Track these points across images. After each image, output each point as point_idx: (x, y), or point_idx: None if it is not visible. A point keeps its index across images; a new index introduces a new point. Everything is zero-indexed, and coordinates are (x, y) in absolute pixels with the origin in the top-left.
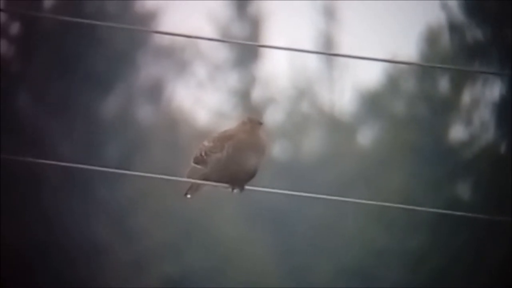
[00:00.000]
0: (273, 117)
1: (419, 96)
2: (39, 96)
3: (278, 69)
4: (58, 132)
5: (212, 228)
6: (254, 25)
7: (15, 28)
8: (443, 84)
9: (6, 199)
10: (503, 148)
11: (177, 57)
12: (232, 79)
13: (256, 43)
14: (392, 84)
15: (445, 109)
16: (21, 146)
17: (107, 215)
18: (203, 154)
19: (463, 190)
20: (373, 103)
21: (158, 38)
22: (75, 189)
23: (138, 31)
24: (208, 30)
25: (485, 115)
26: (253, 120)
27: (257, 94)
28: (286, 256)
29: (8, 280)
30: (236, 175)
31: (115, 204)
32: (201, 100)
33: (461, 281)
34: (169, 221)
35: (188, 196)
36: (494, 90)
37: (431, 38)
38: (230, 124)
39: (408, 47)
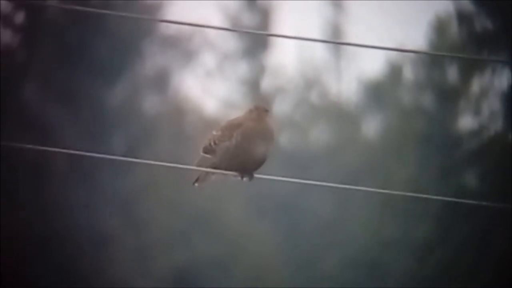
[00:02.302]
0: (281, 106)
1: (427, 86)
2: (45, 85)
3: (287, 59)
4: (64, 121)
5: (220, 216)
6: (263, 15)
7: (20, 17)
8: (451, 73)
9: (12, 187)
10: (511, 137)
11: (185, 47)
12: (241, 69)
13: (265, 32)
14: (399, 73)
15: (453, 98)
16: (27, 134)
17: (114, 204)
18: (212, 143)
19: (471, 179)
20: (381, 92)
21: (164, 27)
22: (82, 178)
23: (145, 20)
24: (216, 19)
25: (493, 104)
26: (260, 108)
27: (266, 83)
28: (294, 245)
29: (14, 269)
30: (245, 163)
31: (122, 193)
32: (209, 90)
33: (469, 270)
34: (176, 210)
35: (196, 185)
36: (502, 79)
37: (439, 27)
38: (238, 113)
39: (416, 36)
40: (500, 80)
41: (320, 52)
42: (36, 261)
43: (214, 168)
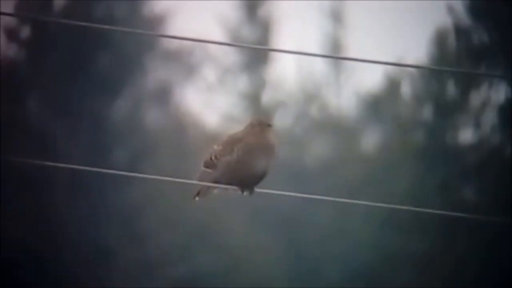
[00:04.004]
0: (281, 120)
1: (425, 99)
2: (48, 100)
3: (287, 73)
4: (67, 135)
5: (221, 230)
6: (264, 29)
7: (25, 32)
8: (450, 87)
9: (15, 202)
10: (509, 151)
11: (186, 61)
12: (242, 83)
13: (266, 47)
14: (398, 87)
15: (451, 112)
16: (30, 149)
17: (115, 218)
18: (213, 157)
19: (470, 193)
20: (380, 106)
21: (166, 42)
22: (83, 192)
23: (147, 35)
24: (217, 33)
25: (491, 118)
26: (262, 122)
27: (266, 97)
28: (295, 259)
29: (18, 282)
30: (246, 178)
31: (124, 207)
32: (211, 104)
33: (470, 283)
34: (177, 224)
35: (197, 199)
36: (500, 93)
37: (438, 41)
38: (239, 127)
39: (415, 51)
40: (497, 94)
41: (320, 66)
42: (36, 273)
43: (215, 182)
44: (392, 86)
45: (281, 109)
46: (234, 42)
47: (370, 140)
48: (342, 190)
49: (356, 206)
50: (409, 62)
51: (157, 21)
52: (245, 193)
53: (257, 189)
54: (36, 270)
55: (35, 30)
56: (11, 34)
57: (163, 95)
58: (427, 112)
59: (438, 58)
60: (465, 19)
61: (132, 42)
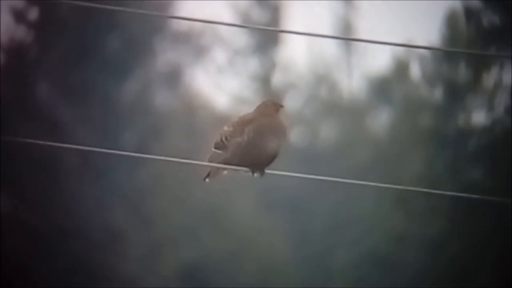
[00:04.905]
0: (292, 102)
1: (436, 81)
2: (57, 82)
3: (297, 55)
4: (75, 117)
5: (230, 212)
6: (274, 11)
7: (33, 13)
8: (460, 69)
9: (23, 183)
10: None
11: (196, 43)
12: (252, 65)
13: (276, 29)
14: (409, 69)
15: (462, 93)
16: (39, 130)
17: (124, 199)
18: (223, 139)
19: (481, 174)
20: (390, 88)
21: (176, 23)
22: (93, 173)
23: (157, 16)
24: (227, 16)
25: (502, 100)
26: (273, 103)
27: (277, 79)
28: (304, 240)
29: (23, 266)
30: (257, 159)
31: (133, 189)
32: (221, 86)
33: (481, 265)
34: (187, 206)
35: (207, 180)
36: (511, 74)
37: (448, 23)
38: (249, 109)
39: (425, 32)
40: (508, 76)
41: (330, 48)
42: (45, 256)
43: (226, 163)
44: (403, 68)
45: (291, 91)
46: (244, 24)
47: (381, 122)
48: (352, 172)
49: (366, 187)
50: (420, 44)
51: (167, 3)
52: (255, 174)
53: (267, 171)
54: (42, 252)
55: (43, 12)
56: (19, 16)
57: (173, 77)
58: (438, 94)
59: (448, 40)
60: (476, 0)
61: (142, 24)
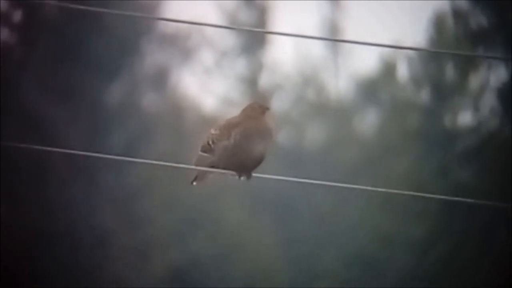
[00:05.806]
0: (279, 103)
1: (423, 82)
2: (43, 84)
3: (284, 56)
4: (62, 119)
5: (218, 215)
6: (261, 12)
7: (18, 15)
8: (448, 70)
9: (10, 187)
10: (508, 133)
11: (183, 44)
12: (239, 66)
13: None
14: (396, 70)
15: (449, 95)
16: (25, 133)
17: (112, 202)
18: (210, 142)
19: (469, 176)
20: (378, 89)
21: (163, 25)
22: (80, 177)
23: (143, 18)
24: (214, 17)
25: (490, 101)
26: (260, 106)
27: (263, 80)
28: (292, 244)
29: (12, 268)
30: (244, 162)
31: (121, 192)
32: (208, 87)
33: (468, 267)
34: (175, 209)
35: (194, 184)
36: (498, 75)
37: (436, 24)
38: (237, 111)
39: (413, 34)
40: (496, 76)
41: (317, 49)
42: (34, 258)
43: (212, 167)
44: (390, 69)
45: (278, 93)
46: (231, 25)
47: (368, 123)
48: (339, 174)
49: (354, 190)
50: (407, 45)
51: (153, 5)
52: (242, 177)
53: (254, 174)
54: (31, 254)
55: (28, 13)
56: (5, 18)
57: (160, 78)
58: (425, 95)
59: (436, 41)
60: (463, 1)
61: (129, 26)
